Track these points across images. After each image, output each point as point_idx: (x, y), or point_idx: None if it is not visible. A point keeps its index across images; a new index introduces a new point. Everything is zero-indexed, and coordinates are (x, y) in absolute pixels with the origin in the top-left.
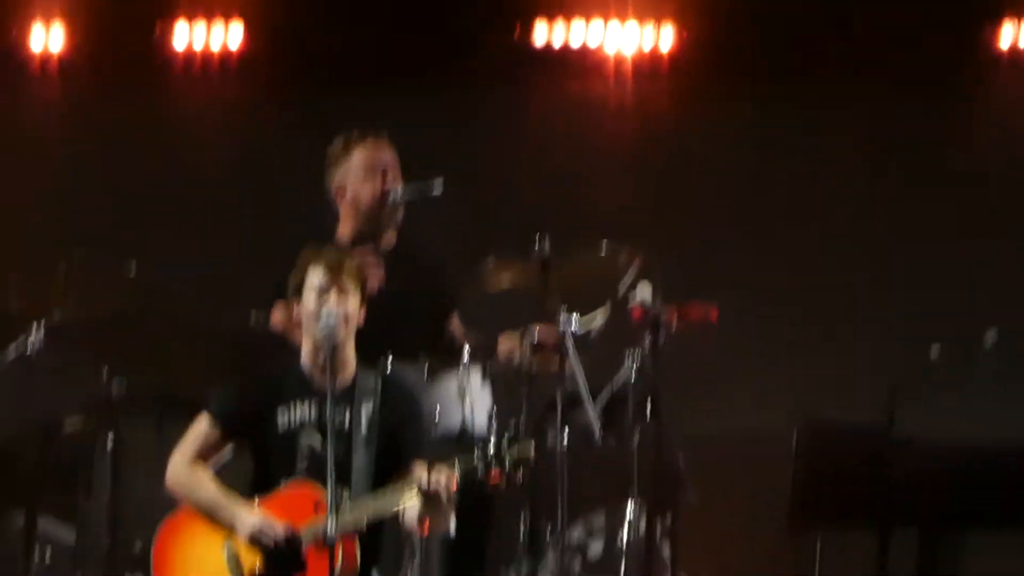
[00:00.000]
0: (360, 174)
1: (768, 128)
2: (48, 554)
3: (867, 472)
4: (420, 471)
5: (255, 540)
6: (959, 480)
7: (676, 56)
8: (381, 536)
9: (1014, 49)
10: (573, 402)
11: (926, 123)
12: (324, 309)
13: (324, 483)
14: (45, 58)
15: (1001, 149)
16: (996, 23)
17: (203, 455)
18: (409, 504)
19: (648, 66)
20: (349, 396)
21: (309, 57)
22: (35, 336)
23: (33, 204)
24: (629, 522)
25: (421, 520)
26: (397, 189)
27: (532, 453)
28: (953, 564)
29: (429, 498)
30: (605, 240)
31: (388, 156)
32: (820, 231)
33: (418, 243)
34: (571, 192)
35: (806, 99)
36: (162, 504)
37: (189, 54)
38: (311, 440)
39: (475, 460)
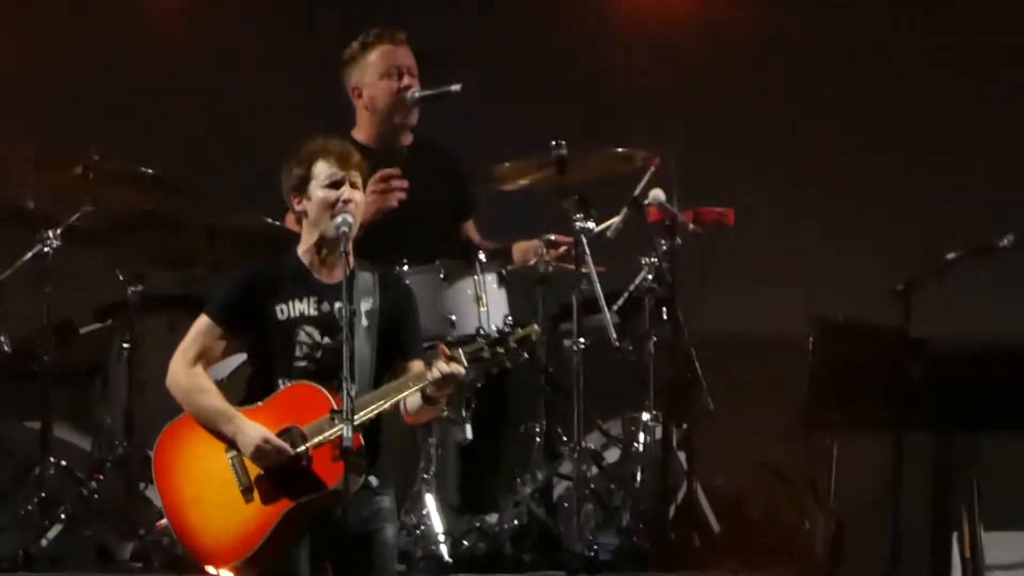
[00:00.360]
0: (377, 74)
1: (787, 28)
2: (63, 461)
3: (883, 373)
4: (422, 365)
5: (259, 458)
6: (975, 381)
7: None
8: (379, 443)
9: None
10: (589, 306)
11: (955, 22)
12: (340, 202)
13: (324, 380)
14: None
15: None
16: None
17: (204, 356)
18: (414, 391)
19: None
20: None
21: None
22: (51, 238)
23: (49, 107)
24: (645, 427)
25: (431, 401)
26: (414, 90)
27: (535, 334)
28: (968, 465)
29: (437, 385)
30: (622, 144)
31: (406, 57)
32: (838, 132)
33: (435, 145)
34: (587, 95)
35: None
36: (176, 411)
37: None
38: (311, 335)
39: (479, 342)
